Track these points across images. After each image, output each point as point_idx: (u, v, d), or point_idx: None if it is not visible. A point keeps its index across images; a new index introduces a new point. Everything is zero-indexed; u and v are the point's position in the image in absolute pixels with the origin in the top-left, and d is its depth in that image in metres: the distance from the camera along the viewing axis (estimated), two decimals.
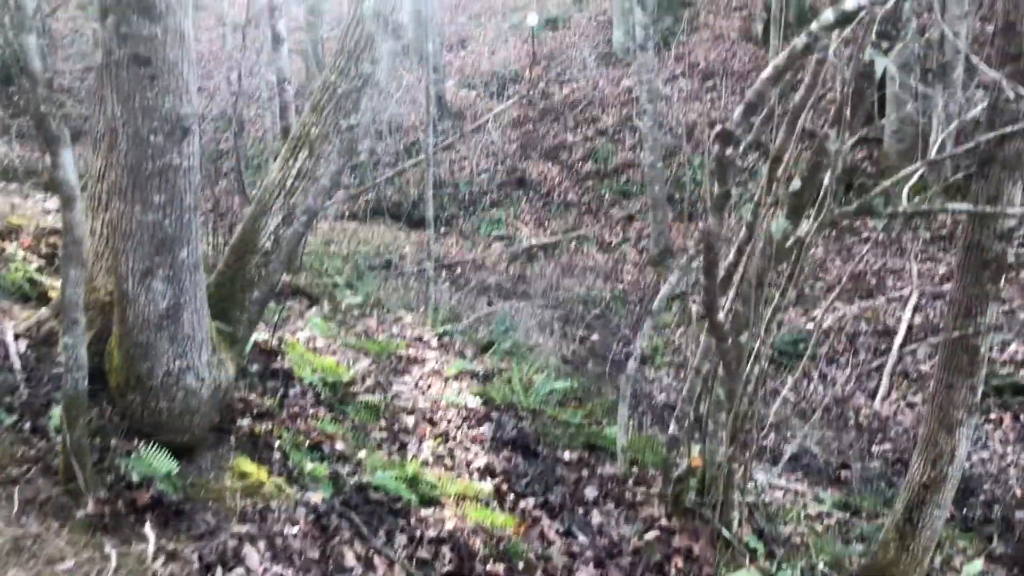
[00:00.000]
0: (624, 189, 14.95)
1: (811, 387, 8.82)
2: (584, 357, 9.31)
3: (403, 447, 4.82)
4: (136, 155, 3.36)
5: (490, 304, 10.41)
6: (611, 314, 11.06)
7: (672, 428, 4.66)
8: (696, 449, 4.67)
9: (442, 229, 15.11)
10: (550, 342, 9.11)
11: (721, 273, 4.12)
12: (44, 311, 4.18)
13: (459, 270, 13.27)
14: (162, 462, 3.60)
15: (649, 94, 12.35)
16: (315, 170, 4.36)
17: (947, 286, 8.52)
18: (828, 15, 3.15)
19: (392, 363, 5.97)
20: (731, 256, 4.24)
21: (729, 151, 3.48)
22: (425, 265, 9.84)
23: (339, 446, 4.43)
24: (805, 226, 4.29)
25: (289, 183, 4.31)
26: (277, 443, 4.20)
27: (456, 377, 6.01)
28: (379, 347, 6.09)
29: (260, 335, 5.15)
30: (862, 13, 3.17)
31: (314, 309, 7.21)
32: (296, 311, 6.93)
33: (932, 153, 4.70)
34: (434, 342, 6.96)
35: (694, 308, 4.98)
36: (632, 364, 4.88)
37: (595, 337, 10.19)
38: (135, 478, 3.47)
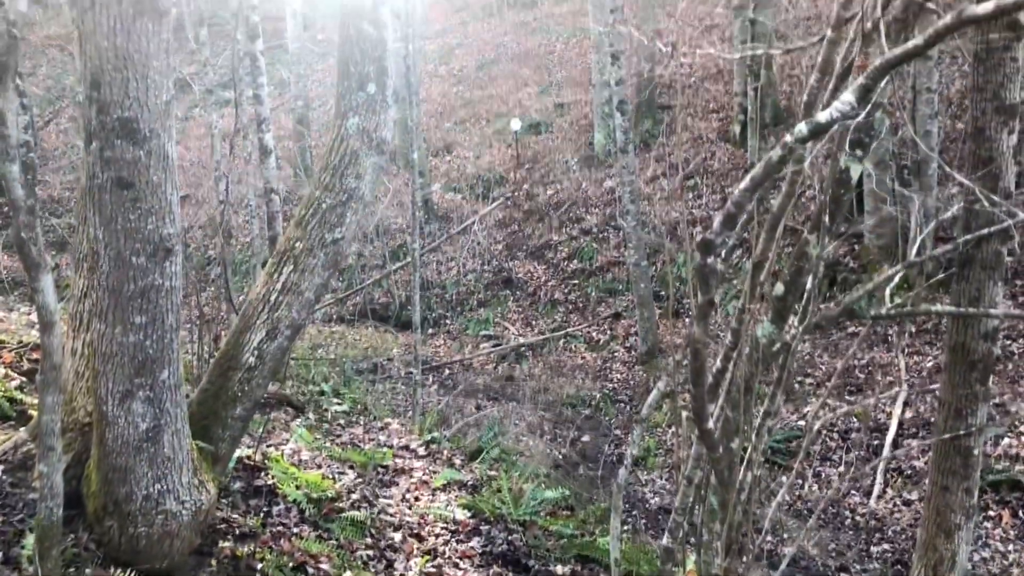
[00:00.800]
0: (610, 287, 15.04)
1: (806, 487, 8.68)
2: (575, 461, 9.17)
3: (390, 565, 4.68)
4: (118, 276, 3.35)
5: (478, 408, 10.30)
6: (601, 415, 10.96)
7: (665, 539, 4.54)
8: (691, 560, 4.54)
9: (430, 330, 15.10)
10: (540, 445, 8.98)
11: (709, 380, 4.09)
12: (21, 434, 4.10)
13: (447, 372, 13.20)
14: None
15: (631, 194, 12.55)
16: (299, 284, 4.36)
17: (936, 384, 8.51)
18: (801, 128, 3.20)
19: (378, 474, 5.85)
20: (718, 363, 4.22)
21: (710, 260, 3.49)
22: (412, 369, 9.76)
23: (324, 566, 4.30)
24: (791, 320, 4.29)
25: (273, 298, 4.30)
26: (260, 565, 4.07)
27: (444, 488, 5.88)
28: (365, 458, 5.98)
29: (244, 450, 5.05)
30: (835, 125, 3.23)
31: (300, 419, 7.11)
32: (281, 421, 6.83)
33: (912, 254, 4.74)
34: (421, 450, 6.85)
35: (684, 414, 4.92)
36: (623, 472, 4.79)
37: (586, 438, 10.07)
38: None
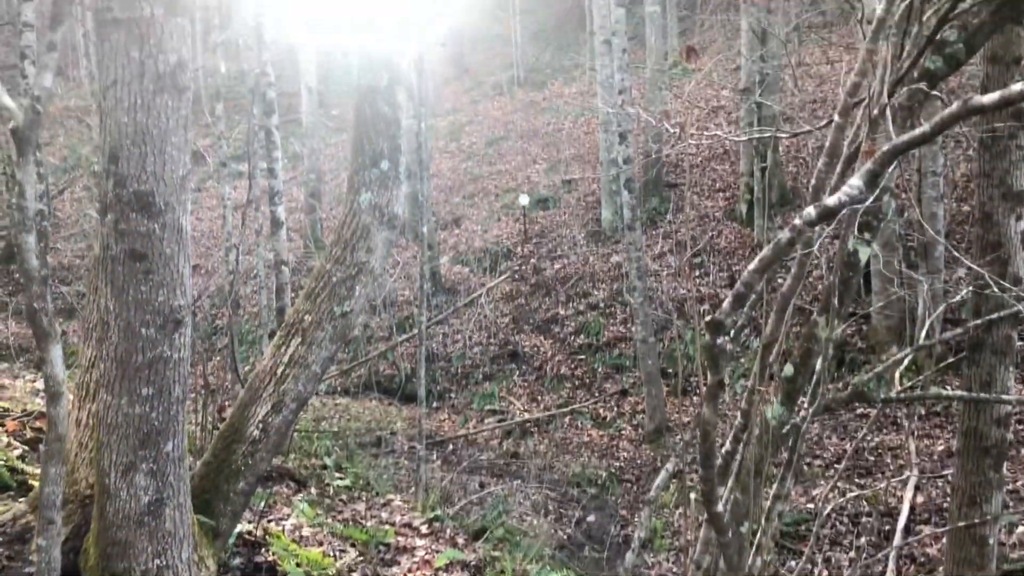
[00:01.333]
0: (617, 363, 14.97)
1: (815, 573, 8.48)
2: (581, 542, 9.00)
3: None
4: (126, 347, 3.35)
5: (482, 486, 10.17)
6: (607, 494, 10.79)
7: None
8: None
9: (434, 404, 15.00)
10: (545, 525, 8.82)
11: (718, 461, 4.03)
12: (21, 505, 4.05)
13: (451, 447, 13.06)
14: None
15: (638, 271, 12.60)
16: (307, 357, 4.35)
17: (948, 469, 8.37)
18: (810, 211, 3.22)
19: (380, 553, 5.74)
20: (728, 444, 4.17)
21: (720, 340, 3.48)
22: (416, 444, 9.67)
23: None
24: (801, 401, 4.25)
25: (280, 370, 4.29)
26: None
27: (446, 568, 5.75)
28: (367, 535, 5.87)
29: (244, 525, 4.96)
30: (844, 209, 3.25)
31: (302, 493, 7.01)
32: (283, 496, 6.73)
33: (921, 337, 4.72)
34: (424, 528, 6.72)
35: (692, 496, 4.85)
36: (630, 556, 4.70)
37: (591, 519, 9.90)
38: None
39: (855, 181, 3.28)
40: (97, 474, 3.48)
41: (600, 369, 14.92)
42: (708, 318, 3.47)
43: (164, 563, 3.51)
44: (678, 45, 25.63)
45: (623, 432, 13.06)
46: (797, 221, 3.34)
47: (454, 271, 18.86)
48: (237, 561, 4.63)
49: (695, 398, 12.93)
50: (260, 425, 4.19)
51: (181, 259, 3.44)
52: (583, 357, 15.38)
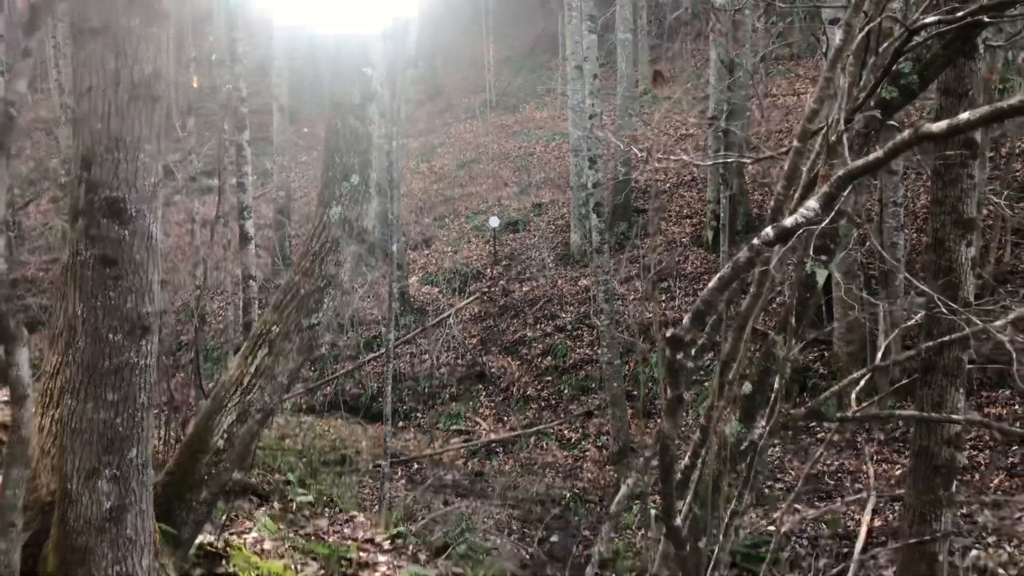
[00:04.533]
0: (583, 385, 15.05)
1: None
2: (543, 561, 9.02)
3: None
4: (93, 352, 3.37)
5: (446, 503, 10.16)
6: (571, 515, 10.83)
7: None
8: None
9: (400, 423, 14.97)
10: (508, 544, 8.84)
11: (677, 476, 4.11)
12: None
13: (416, 466, 13.04)
14: None
15: (605, 294, 12.72)
16: (273, 368, 4.37)
17: (903, 490, 8.52)
18: (768, 232, 3.33)
19: (342, 568, 5.74)
20: (687, 459, 4.25)
21: (680, 356, 3.57)
22: (381, 462, 9.66)
23: None
24: (759, 419, 4.35)
25: (246, 381, 4.31)
26: None
27: None
28: (329, 551, 5.86)
29: (206, 536, 4.95)
30: (800, 230, 3.36)
31: (264, 508, 6.98)
32: (245, 510, 6.71)
33: (878, 359, 4.85)
34: (387, 544, 6.72)
35: (653, 513, 4.92)
36: (589, 571, 4.74)
37: (554, 539, 9.92)
38: None
39: (811, 203, 3.40)
40: (59, 479, 3.47)
41: (566, 391, 15.00)
42: (668, 333, 3.57)
43: (124, 570, 3.50)
44: (648, 73, 26.00)
45: (587, 453, 13.12)
46: (755, 241, 3.45)
47: (423, 291, 18.90)
48: (198, 572, 4.61)
49: (659, 420, 13.03)
50: (224, 435, 4.20)
51: (150, 266, 3.46)
52: (550, 379, 15.45)
